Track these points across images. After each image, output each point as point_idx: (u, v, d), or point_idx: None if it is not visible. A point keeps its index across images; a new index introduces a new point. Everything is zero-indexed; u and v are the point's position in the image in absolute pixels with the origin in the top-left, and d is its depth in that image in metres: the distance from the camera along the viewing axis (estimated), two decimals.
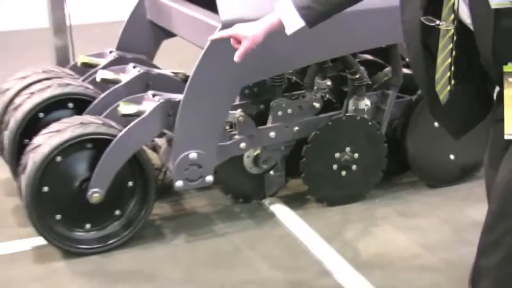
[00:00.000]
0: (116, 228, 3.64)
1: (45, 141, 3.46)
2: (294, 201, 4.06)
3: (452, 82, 2.61)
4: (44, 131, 3.55)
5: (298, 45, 3.55)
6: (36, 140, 3.53)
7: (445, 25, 2.53)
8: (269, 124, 3.89)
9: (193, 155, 3.60)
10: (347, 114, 3.98)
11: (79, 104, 3.87)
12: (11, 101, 3.96)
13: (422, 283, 3.31)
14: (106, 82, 3.94)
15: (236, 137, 3.78)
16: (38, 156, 3.42)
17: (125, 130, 3.48)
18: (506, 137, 2.53)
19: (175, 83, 3.97)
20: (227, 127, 3.82)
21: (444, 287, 3.26)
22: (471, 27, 2.54)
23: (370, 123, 3.98)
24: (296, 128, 3.92)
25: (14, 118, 3.80)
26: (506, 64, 2.51)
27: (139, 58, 4.27)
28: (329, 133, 3.91)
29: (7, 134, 3.82)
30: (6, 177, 4.14)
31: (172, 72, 4.13)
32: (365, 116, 4.00)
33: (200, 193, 4.16)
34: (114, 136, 3.48)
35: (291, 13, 2.78)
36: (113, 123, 3.59)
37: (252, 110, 4.00)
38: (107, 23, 4.52)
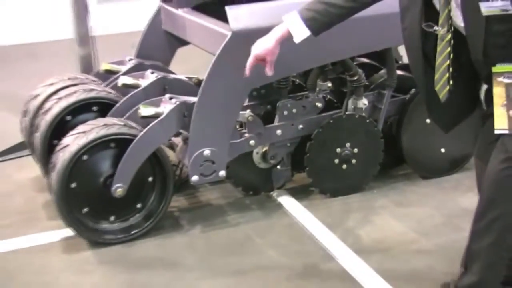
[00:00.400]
0: (138, 219, 3.63)
1: (73, 142, 3.46)
2: (300, 193, 4.05)
3: (451, 82, 2.62)
4: (71, 132, 3.54)
5: (301, 50, 3.51)
6: (65, 140, 3.53)
7: (443, 31, 2.54)
8: (276, 123, 3.89)
9: (207, 152, 3.60)
10: (346, 113, 3.98)
11: (102, 107, 3.86)
12: (41, 105, 3.95)
13: (417, 265, 3.32)
14: (127, 87, 3.94)
15: (246, 135, 3.78)
16: (66, 155, 3.42)
17: (144, 130, 3.49)
18: (496, 131, 2.54)
19: (190, 86, 3.96)
20: (238, 126, 3.83)
21: (437, 268, 3.26)
22: (463, 31, 2.54)
23: (368, 121, 3.98)
24: (301, 126, 3.92)
25: (44, 121, 3.80)
26: (495, 65, 2.52)
27: (156, 64, 4.26)
28: (331, 130, 3.91)
29: (38, 136, 3.82)
30: (37, 175, 4.14)
31: (187, 77, 4.11)
32: (363, 114, 3.99)
33: (214, 186, 4.15)
34: (135, 136, 3.48)
35: (298, 24, 2.84)
36: (133, 124, 3.60)
37: (260, 110, 4.00)
38: (126, 33, 4.50)
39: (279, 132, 3.87)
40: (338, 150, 3.95)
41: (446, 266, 3.21)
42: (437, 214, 3.78)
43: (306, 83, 4.10)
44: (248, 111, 3.82)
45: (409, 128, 4.09)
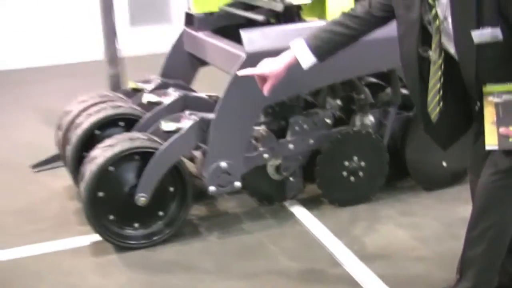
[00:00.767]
0: (160, 226, 3.65)
1: (100, 154, 3.50)
2: (310, 203, 4.05)
3: (441, 104, 2.62)
4: (99, 145, 3.59)
5: (311, 71, 3.55)
6: (93, 153, 3.57)
7: (434, 57, 2.55)
8: (288, 138, 3.90)
9: (223, 164, 3.62)
10: (354, 129, 3.98)
11: (128, 122, 3.91)
12: (73, 120, 4.01)
13: (417, 271, 3.30)
14: (151, 104, 3.98)
15: (260, 149, 3.80)
16: (94, 166, 3.46)
17: (165, 144, 3.52)
18: (487, 147, 2.54)
19: (209, 104, 3.98)
20: (253, 141, 3.84)
21: (435, 274, 3.24)
22: (456, 56, 2.55)
23: (374, 136, 3.98)
24: (311, 140, 3.92)
25: (75, 135, 3.85)
26: (485, 86, 2.52)
27: (178, 83, 4.29)
28: (339, 144, 3.91)
29: (69, 149, 3.87)
30: (70, 184, 4.18)
31: (207, 95, 4.15)
32: (370, 130, 3.99)
33: (231, 196, 4.15)
34: (157, 149, 3.51)
35: (305, 52, 2.87)
36: (156, 138, 3.62)
37: (275, 126, 4.00)
38: (157, 54, 4.55)
39: (291, 146, 3.88)
40: (346, 163, 3.95)
41: (444, 273, 3.19)
42: (437, 223, 3.76)
43: (317, 101, 4.11)
44: (262, 127, 3.83)
45: (412, 143, 4.07)
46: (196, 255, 3.55)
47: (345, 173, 3.96)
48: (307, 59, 2.87)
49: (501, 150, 2.50)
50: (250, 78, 3.38)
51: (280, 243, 3.64)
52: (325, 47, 2.86)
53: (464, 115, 2.77)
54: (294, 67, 2.93)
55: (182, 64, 4.47)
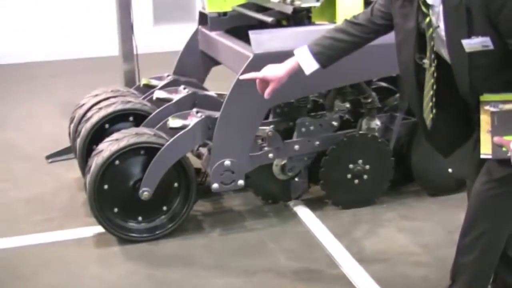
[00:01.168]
0: (163, 221, 3.68)
1: (106, 148, 3.54)
2: (314, 204, 4.04)
3: (434, 111, 2.61)
4: (106, 139, 3.63)
5: (316, 74, 3.56)
6: (100, 146, 3.61)
7: (428, 64, 2.54)
8: (294, 139, 3.90)
9: (227, 162, 3.64)
10: (360, 132, 3.97)
11: (138, 118, 3.94)
12: (84, 114, 4.06)
13: (414, 276, 3.29)
14: (161, 101, 4.01)
15: (266, 148, 3.80)
16: (100, 159, 3.50)
17: (170, 140, 3.54)
18: (482, 156, 2.52)
19: (218, 102, 3.99)
20: (260, 141, 3.85)
21: (432, 279, 3.22)
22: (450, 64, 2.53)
23: (379, 140, 3.96)
24: (317, 142, 3.92)
25: (85, 128, 3.90)
26: (482, 95, 2.50)
27: (190, 81, 4.32)
28: (344, 147, 3.90)
29: (79, 141, 3.92)
30: (80, 176, 4.22)
31: (217, 93, 4.17)
32: (376, 134, 3.98)
33: (237, 194, 4.17)
34: (162, 145, 3.54)
35: (308, 58, 2.87)
36: (163, 134, 3.65)
37: (282, 126, 4.01)
38: (175, 52, 4.59)
39: (296, 147, 3.88)
40: (351, 166, 3.94)
41: (441, 278, 3.16)
42: (439, 229, 3.73)
43: (324, 103, 4.10)
44: (269, 127, 3.84)
45: (418, 149, 4.04)
46: (196, 250, 3.57)
47: (349, 176, 3.95)
48: (310, 66, 2.88)
49: (494, 159, 2.48)
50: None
51: (280, 242, 3.64)
52: (328, 53, 2.88)
53: (464, 123, 2.75)
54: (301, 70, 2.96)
55: (195, 63, 4.49)
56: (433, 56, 2.50)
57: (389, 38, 2.84)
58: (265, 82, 2.89)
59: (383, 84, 4.42)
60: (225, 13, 4.28)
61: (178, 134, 3.57)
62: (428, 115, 2.61)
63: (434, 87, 2.54)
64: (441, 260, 3.39)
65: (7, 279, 3.32)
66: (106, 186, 3.54)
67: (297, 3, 3.68)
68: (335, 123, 3.96)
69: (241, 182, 3.70)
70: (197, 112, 3.72)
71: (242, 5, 4.20)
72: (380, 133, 4.02)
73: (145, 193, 3.53)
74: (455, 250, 2.75)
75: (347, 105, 4.20)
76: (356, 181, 3.96)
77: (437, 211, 3.96)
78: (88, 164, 3.62)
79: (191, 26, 4.64)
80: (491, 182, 2.53)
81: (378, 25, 2.78)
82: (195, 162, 3.96)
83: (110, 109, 3.90)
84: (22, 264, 3.45)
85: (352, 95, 4.20)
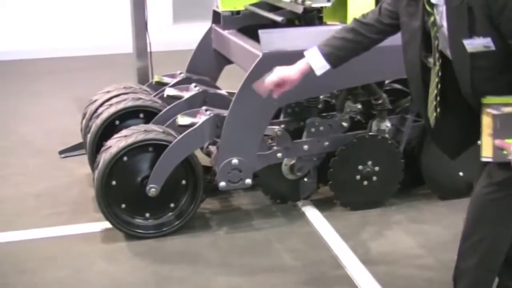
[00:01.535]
0: (170, 218, 3.67)
1: (115, 144, 3.55)
2: (323, 204, 4.02)
3: (438, 109, 2.58)
4: (115, 136, 3.64)
5: (326, 74, 3.54)
6: (109, 142, 3.62)
7: (432, 62, 2.51)
8: (303, 139, 3.88)
9: (235, 161, 3.63)
10: (369, 133, 3.93)
11: (148, 115, 3.95)
12: (96, 110, 4.08)
13: (418, 278, 3.26)
14: (171, 98, 4.01)
15: (274, 148, 3.79)
16: (108, 156, 3.52)
17: (178, 138, 3.54)
18: (482, 159, 2.50)
19: (228, 100, 3.96)
20: (269, 140, 3.84)
21: (436, 283, 3.19)
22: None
23: (389, 142, 3.92)
24: (326, 143, 3.89)
25: (95, 124, 3.92)
26: (484, 97, 2.47)
27: (203, 79, 4.32)
28: (354, 148, 3.87)
29: (89, 137, 3.94)
30: (90, 172, 4.24)
31: (227, 92, 4.16)
32: (386, 135, 3.94)
33: (245, 193, 4.16)
34: (170, 142, 3.54)
35: (319, 59, 2.88)
36: (172, 132, 3.65)
37: (292, 126, 3.99)
38: (185, 50, 4.60)
39: (306, 147, 3.85)
40: (360, 167, 3.90)
41: (445, 282, 3.09)
42: (446, 232, 3.68)
43: (335, 104, 4.08)
44: (278, 127, 3.82)
45: (429, 151, 3.99)
46: (202, 248, 3.56)
47: (358, 177, 3.91)
48: (321, 67, 2.89)
49: (495, 162, 2.45)
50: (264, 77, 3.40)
51: (286, 241, 3.63)
52: (338, 54, 2.88)
53: (470, 125, 2.71)
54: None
55: (208, 61, 4.50)
56: (437, 55, 2.48)
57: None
58: (278, 84, 2.90)
59: (396, 85, 4.38)
60: (238, 12, 4.27)
61: (186, 131, 3.57)
62: (432, 114, 2.59)
63: (439, 86, 2.52)
64: (446, 264, 3.33)
65: (13, 272, 3.34)
66: (114, 182, 3.54)
67: (307, 3, 3.65)
68: (345, 124, 3.94)
69: (248, 181, 3.69)
70: (206, 110, 3.71)
71: (255, 4, 4.19)
72: (391, 135, 3.98)
73: (152, 189, 3.53)
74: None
75: (359, 106, 4.17)
76: (365, 182, 3.93)
77: (446, 214, 3.91)
78: (97, 160, 3.63)
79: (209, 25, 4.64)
80: (491, 185, 2.50)
81: (386, 24, 2.77)
82: (205, 160, 3.96)
83: (120, 106, 3.92)
84: (29, 257, 3.47)
85: (364, 96, 4.16)
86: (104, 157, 3.52)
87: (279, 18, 3.76)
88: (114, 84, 4.35)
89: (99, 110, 4.00)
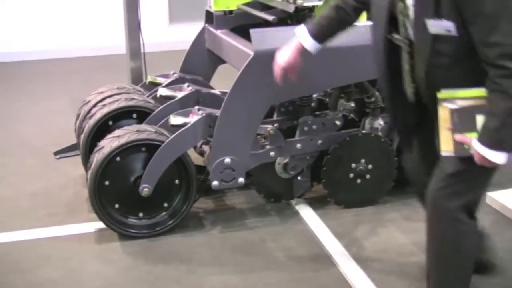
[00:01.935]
0: (164, 217, 3.66)
1: (108, 144, 3.55)
2: (317, 203, 4.01)
3: (413, 85, 2.60)
4: (107, 136, 3.63)
5: (318, 72, 3.54)
6: (101, 143, 3.61)
7: (399, 38, 2.53)
8: (296, 137, 3.87)
9: (227, 160, 3.62)
10: (363, 131, 3.93)
11: (141, 115, 3.93)
12: (89, 110, 4.07)
13: (411, 277, 3.24)
14: (164, 98, 4.00)
15: (267, 147, 3.78)
16: (101, 156, 3.51)
17: (171, 137, 3.53)
18: (443, 153, 2.50)
19: (221, 100, 3.95)
20: (262, 139, 3.83)
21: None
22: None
23: (383, 140, 3.91)
24: (320, 141, 3.88)
25: (88, 125, 3.90)
26: (439, 90, 2.45)
27: (196, 79, 4.31)
28: (347, 146, 3.86)
29: (82, 138, 3.93)
30: (84, 173, 4.23)
31: (221, 92, 4.15)
32: (379, 133, 3.93)
33: (239, 192, 4.15)
34: (163, 142, 3.53)
35: (307, 37, 2.95)
36: (164, 132, 3.64)
37: (286, 124, 3.99)
38: (181, 50, 4.59)
39: (298, 146, 3.85)
40: (353, 165, 3.89)
41: None
42: None
43: (328, 102, 4.07)
44: (271, 126, 3.81)
45: None
46: (196, 247, 3.55)
47: (351, 175, 3.91)
48: (309, 43, 2.95)
49: (456, 156, 2.44)
50: (256, 76, 3.41)
51: (280, 240, 3.62)
52: (322, 30, 2.95)
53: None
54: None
55: (201, 61, 4.48)
56: (405, 30, 2.49)
57: None
58: (285, 69, 3.02)
59: None
60: (230, 12, 4.26)
61: (179, 131, 3.56)
62: (408, 88, 2.63)
63: (409, 61, 2.54)
64: None
65: (7, 272, 3.33)
66: (107, 182, 3.53)
67: (299, 2, 3.65)
68: (338, 122, 3.93)
69: (241, 180, 3.68)
70: (198, 110, 3.70)
71: (247, 4, 4.18)
72: (384, 133, 3.97)
73: (145, 189, 3.52)
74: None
75: (352, 104, 4.16)
76: (359, 180, 3.92)
77: None
78: (90, 160, 3.62)
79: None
80: (444, 180, 2.50)
81: (360, 2, 2.81)
82: (199, 160, 3.95)
83: (113, 106, 3.90)
84: (23, 258, 3.46)
85: (357, 94, 4.16)
86: (97, 157, 3.51)
87: (270, 17, 3.76)
88: (107, 85, 4.34)
89: (93, 111, 3.99)
